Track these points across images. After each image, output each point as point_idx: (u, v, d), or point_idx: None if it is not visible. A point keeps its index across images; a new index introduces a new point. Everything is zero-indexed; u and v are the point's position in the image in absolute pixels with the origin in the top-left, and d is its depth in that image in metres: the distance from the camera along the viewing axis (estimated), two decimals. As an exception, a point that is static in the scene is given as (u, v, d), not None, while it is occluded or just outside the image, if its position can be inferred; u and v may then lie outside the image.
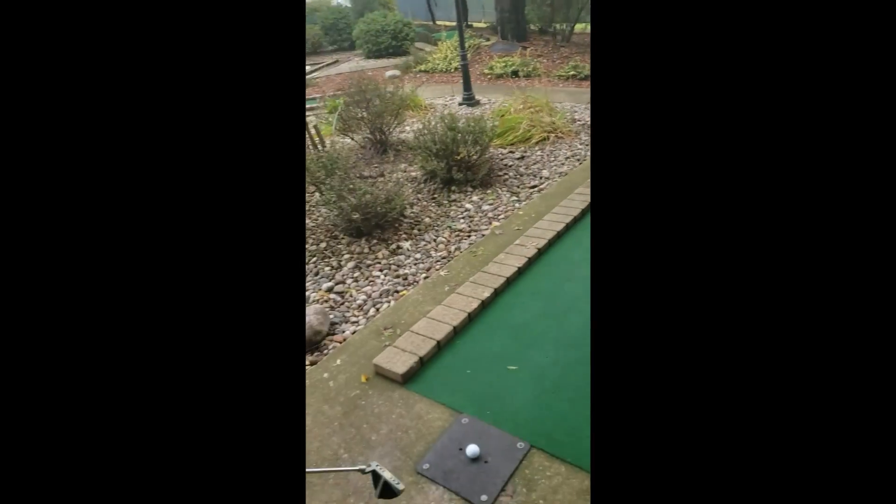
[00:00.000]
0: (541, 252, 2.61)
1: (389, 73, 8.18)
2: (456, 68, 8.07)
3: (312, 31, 11.22)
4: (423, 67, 8.49)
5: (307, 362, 2.08)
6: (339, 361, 2.00)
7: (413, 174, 3.98)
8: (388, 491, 1.08)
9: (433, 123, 3.82)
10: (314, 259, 2.92)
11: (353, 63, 9.77)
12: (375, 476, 1.08)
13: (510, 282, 2.39)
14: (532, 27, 9.48)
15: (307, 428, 1.68)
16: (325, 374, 1.94)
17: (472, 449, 1.49)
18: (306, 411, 1.76)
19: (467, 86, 6.14)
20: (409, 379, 1.85)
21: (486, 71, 7.81)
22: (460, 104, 6.12)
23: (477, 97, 6.29)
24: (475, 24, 11.09)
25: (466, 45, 7.36)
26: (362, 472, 1.10)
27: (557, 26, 9.04)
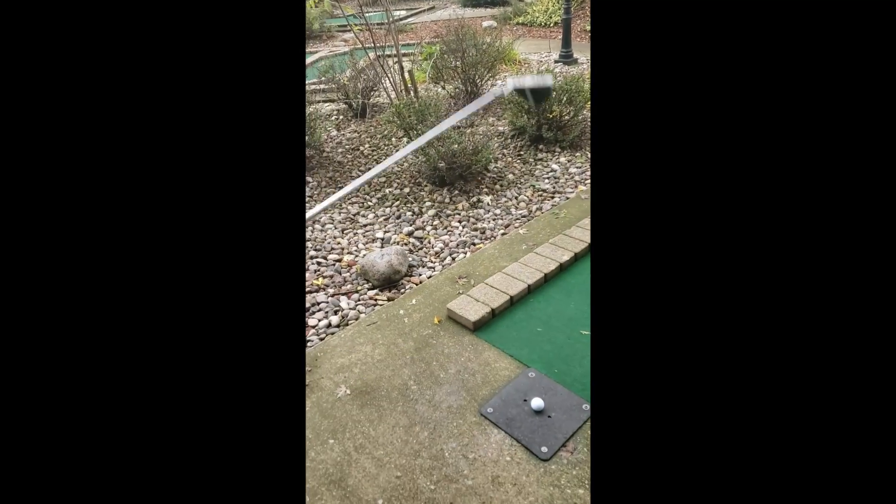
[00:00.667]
0: (627, 222, 2.51)
1: (486, 23, 7.93)
2: (556, 23, 7.66)
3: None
4: (521, 20, 8.13)
5: (385, 298, 2.18)
6: (414, 301, 2.08)
7: (501, 129, 3.91)
8: (538, 93, 1.03)
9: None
10: (397, 203, 2.99)
11: (450, 11, 9.54)
12: (520, 92, 1.03)
13: (591, 248, 2.33)
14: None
15: (381, 358, 1.79)
16: (401, 311, 2.02)
17: (537, 402, 1.51)
18: (381, 342, 1.86)
19: (566, 42, 5.83)
20: (479, 327, 1.89)
21: (588, 28, 7.34)
22: (556, 61, 5.84)
23: (575, 55, 5.97)
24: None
25: (571, -2, 6.91)
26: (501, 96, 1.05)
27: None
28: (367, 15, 4.13)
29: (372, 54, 4.37)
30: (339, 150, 3.78)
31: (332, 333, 1.99)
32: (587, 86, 3.70)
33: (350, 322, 2.05)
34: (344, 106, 4.54)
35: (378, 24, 4.30)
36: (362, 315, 2.09)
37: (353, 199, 3.07)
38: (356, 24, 4.39)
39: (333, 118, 4.42)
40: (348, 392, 1.65)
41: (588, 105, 4.11)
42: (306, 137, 3.46)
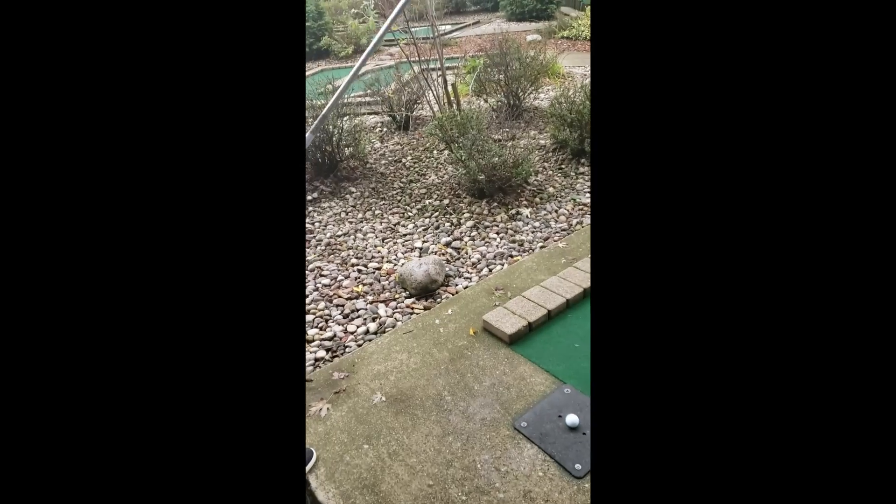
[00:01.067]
0: (671, 239, 2.45)
1: (531, 37, 7.95)
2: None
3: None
4: (566, 34, 8.11)
5: (422, 307, 2.20)
6: (450, 311, 2.09)
7: (542, 142, 3.90)
8: None
9: (571, 92, 3.68)
10: (436, 214, 3.03)
11: (495, 25, 9.63)
12: None
13: (633, 264, 2.28)
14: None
15: (416, 367, 1.81)
16: (437, 321, 2.04)
17: (571, 418, 1.49)
18: (417, 351, 1.88)
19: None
20: (515, 340, 1.88)
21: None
22: (601, 75, 5.78)
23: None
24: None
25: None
26: None
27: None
28: (413, 29, 4.23)
29: (417, 68, 4.47)
30: (382, 161, 3.87)
31: (370, 340, 2.03)
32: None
33: (387, 329, 2.09)
34: (388, 118, 4.65)
35: (424, 38, 4.40)
36: (399, 323, 2.12)
37: (394, 210, 3.13)
38: (402, 39, 4.51)
39: (377, 130, 4.54)
40: (384, 399, 1.68)
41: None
42: (351, 149, 3.56)
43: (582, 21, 8.26)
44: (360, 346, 2.02)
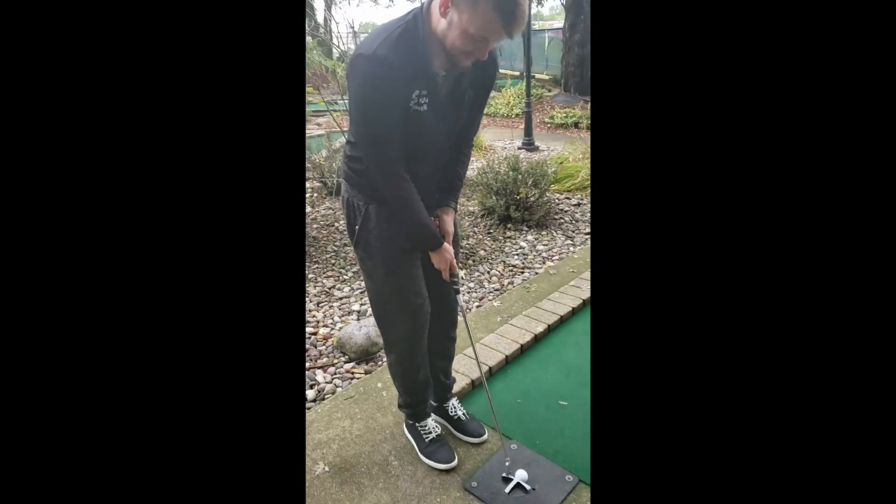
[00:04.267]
0: (595, 296, 2.64)
1: (453, 112, 8.52)
2: (517, 114, 8.34)
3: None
4: (485, 111, 8.81)
5: (363, 370, 2.16)
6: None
7: (471, 209, 4.11)
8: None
9: (496, 163, 3.97)
10: (372, 276, 3.05)
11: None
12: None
13: (564, 320, 2.42)
14: (595, 83, 9.72)
15: (359, 433, 1.75)
16: (379, 384, 2.01)
17: (520, 474, 1.51)
18: (360, 416, 1.83)
19: (528, 131, 6.34)
20: (459, 398, 1.89)
21: (547, 120, 8.02)
22: (519, 148, 6.30)
23: (536, 143, 6.46)
24: (537, 75, 11.45)
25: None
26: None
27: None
28: (345, 99, 4.41)
29: (342, 138, 4.62)
30: (314, 225, 3.86)
31: (309, 408, 1.94)
32: (551, 170, 4.00)
33: (327, 396, 2.01)
34: (319, 184, 4.69)
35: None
36: (339, 389, 2.06)
37: (329, 273, 3.10)
38: (334, 110, 4.68)
39: (309, 196, 4.54)
40: (327, 469, 1.59)
41: (552, 187, 4.41)
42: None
43: (499, 100, 9.04)
44: (297, 415, 1.92)
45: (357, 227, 1.34)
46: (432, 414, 1.70)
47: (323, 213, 4.13)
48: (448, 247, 1.37)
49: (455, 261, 1.40)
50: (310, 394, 2.02)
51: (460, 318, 1.64)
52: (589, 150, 5.12)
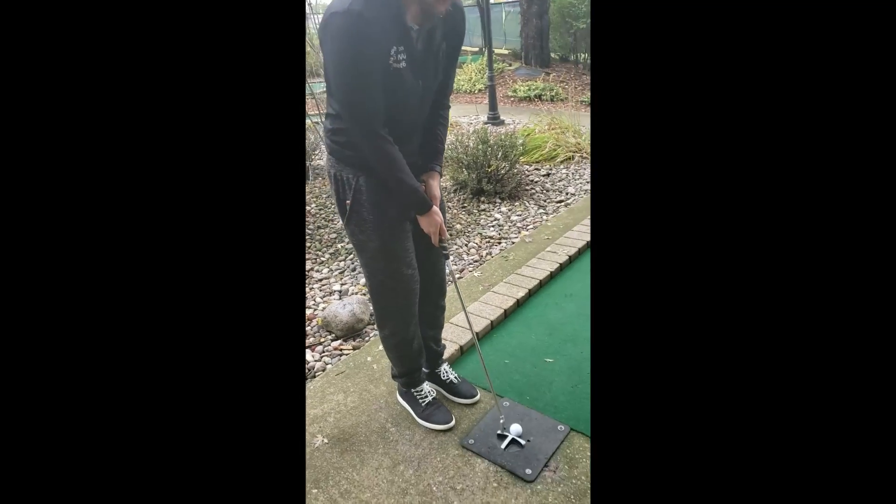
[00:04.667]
0: (571, 259, 2.72)
1: (416, 91, 8.42)
2: (480, 90, 8.31)
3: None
4: (448, 88, 8.73)
5: (351, 347, 2.18)
6: (380, 347, 2.09)
7: (443, 184, 4.12)
8: None
9: (465, 138, 3.98)
10: (350, 256, 3.04)
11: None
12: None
13: (543, 284, 2.49)
14: (554, 56, 9.77)
15: (354, 405, 1.78)
16: (369, 358, 2.03)
17: (515, 428, 1.57)
18: (353, 390, 1.85)
19: (493, 105, 6.35)
20: (449, 364, 1.94)
21: (510, 93, 8.04)
22: (485, 123, 6.31)
23: (502, 117, 6.48)
24: (497, 51, 11.41)
25: (492, 68, 7.60)
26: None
27: (581, 56, 9.30)
28: (310, 84, 4.32)
29: (310, 121, 4.53)
30: (286, 210, 3.81)
31: (300, 386, 1.96)
32: (519, 142, 4.04)
33: (318, 374, 2.03)
34: (286, 169, 4.60)
35: (321, 92, 4.50)
36: (329, 366, 2.07)
37: (306, 256, 3.08)
38: (308, 94, 4.58)
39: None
40: (325, 441, 1.62)
41: (521, 159, 4.46)
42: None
43: (461, 77, 8.98)
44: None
45: (348, 201, 1.33)
46: (426, 380, 1.74)
47: (293, 197, 4.07)
48: (437, 210, 1.38)
49: (444, 225, 1.42)
50: (300, 373, 2.03)
51: (449, 287, 1.67)
52: (553, 120, 5.18)
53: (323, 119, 1.37)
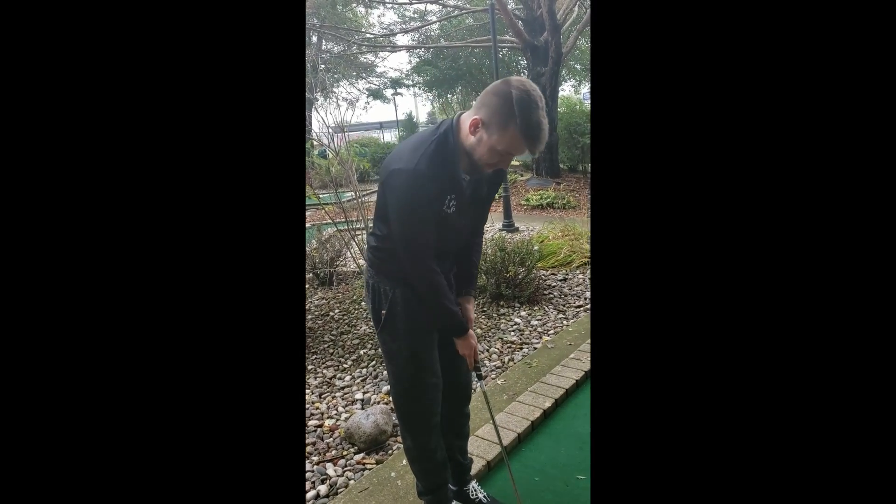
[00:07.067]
0: (596, 367, 2.68)
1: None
2: (495, 199, 8.73)
3: (361, 163, 12.55)
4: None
5: (374, 461, 2.11)
6: (404, 462, 2.03)
7: (462, 289, 4.21)
8: None
9: (483, 245, 4.15)
10: (373, 363, 3.04)
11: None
12: None
13: (569, 393, 2.44)
14: (563, 166, 10.40)
15: (378, 526, 1.69)
16: (393, 474, 1.96)
17: (551, 556, 1.47)
18: (377, 508, 1.77)
19: (507, 214, 6.65)
20: (478, 482, 1.86)
21: (523, 202, 8.44)
22: (500, 230, 6.56)
23: (516, 224, 6.76)
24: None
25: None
26: None
27: (588, 166, 9.89)
28: (339, 193, 4.65)
29: (332, 229, 4.78)
30: (309, 316, 3.88)
31: (322, 505, 1.87)
32: (535, 248, 4.19)
33: (340, 490, 1.95)
34: (310, 275, 4.77)
35: (347, 200, 4.80)
36: (351, 482, 2.00)
37: (328, 363, 3.09)
38: (325, 204, 4.90)
39: (300, 286, 4.59)
40: (349, 569, 1.52)
41: (538, 264, 4.58)
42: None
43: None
44: (310, 513, 1.84)
45: (384, 311, 1.42)
46: (454, 499, 1.67)
47: (317, 303, 4.17)
48: (472, 333, 1.46)
49: (478, 347, 1.50)
50: (322, 489, 1.95)
51: (477, 395, 1.68)
52: (566, 227, 5.39)
53: (366, 236, 1.51)
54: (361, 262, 4.31)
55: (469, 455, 1.76)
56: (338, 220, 4.59)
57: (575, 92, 15.42)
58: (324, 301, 4.19)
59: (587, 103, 11.39)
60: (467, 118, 1.27)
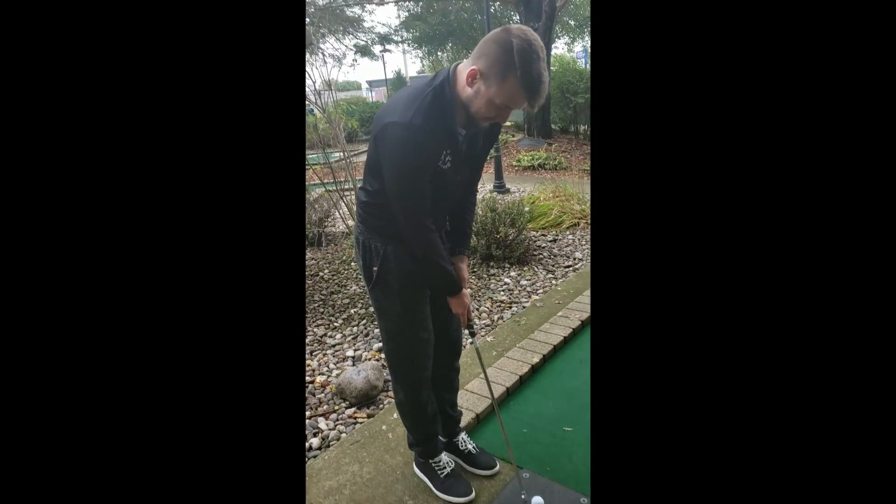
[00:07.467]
0: (584, 324, 2.73)
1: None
2: (487, 160, 8.63)
3: (350, 122, 12.26)
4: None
5: (365, 414, 2.15)
6: (395, 415, 2.07)
7: (452, 250, 4.21)
8: None
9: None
10: (363, 321, 3.06)
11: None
12: None
13: (557, 350, 2.49)
14: (555, 127, 10.25)
15: (370, 476, 1.74)
16: (384, 427, 2.00)
17: (536, 500, 1.53)
18: (369, 460, 1.82)
19: (499, 175, 6.59)
20: (467, 433, 1.91)
21: (514, 163, 8.35)
22: (491, 191, 6.52)
23: (507, 186, 6.71)
24: (501, 122, 11.97)
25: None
26: None
27: (581, 127, 9.76)
28: (327, 153, 4.55)
29: (320, 190, 4.71)
30: (299, 276, 3.87)
31: (315, 456, 1.92)
32: (525, 209, 4.17)
33: (332, 443, 1.99)
34: (299, 236, 4.73)
35: (336, 160, 4.71)
36: (343, 434, 2.04)
37: (319, 322, 3.11)
38: (314, 164, 4.80)
39: (289, 247, 4.56)
40: (342, 515, 1.57)
41: (529, 225, 4.57)
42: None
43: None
44: (306, 463, 1.89)
45: (375, 268, 1.40)
46: (444, 451, 1.72)
47: (307, 263, 4.15)
48: (466, 292, 1.46)
49: (471, 305, 1.50)
50: (314, 441, 1.99)
51: (467, 351, 1.70)
52: (557, 188, 5.36)
53: (356, 191, 1.48)
54: (350, 222, 4.28)
55: (459, 408, 1.79)
56: (326, 180, 4.51)
57: (568, 50, 15.00)
58: (313, 261, 4.17)
59: (581, 62, 11.13)
60: (464, 69, 1.20)
